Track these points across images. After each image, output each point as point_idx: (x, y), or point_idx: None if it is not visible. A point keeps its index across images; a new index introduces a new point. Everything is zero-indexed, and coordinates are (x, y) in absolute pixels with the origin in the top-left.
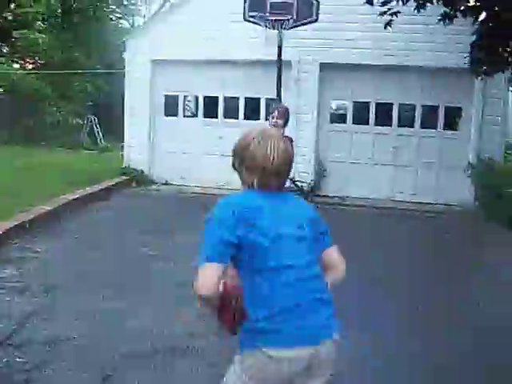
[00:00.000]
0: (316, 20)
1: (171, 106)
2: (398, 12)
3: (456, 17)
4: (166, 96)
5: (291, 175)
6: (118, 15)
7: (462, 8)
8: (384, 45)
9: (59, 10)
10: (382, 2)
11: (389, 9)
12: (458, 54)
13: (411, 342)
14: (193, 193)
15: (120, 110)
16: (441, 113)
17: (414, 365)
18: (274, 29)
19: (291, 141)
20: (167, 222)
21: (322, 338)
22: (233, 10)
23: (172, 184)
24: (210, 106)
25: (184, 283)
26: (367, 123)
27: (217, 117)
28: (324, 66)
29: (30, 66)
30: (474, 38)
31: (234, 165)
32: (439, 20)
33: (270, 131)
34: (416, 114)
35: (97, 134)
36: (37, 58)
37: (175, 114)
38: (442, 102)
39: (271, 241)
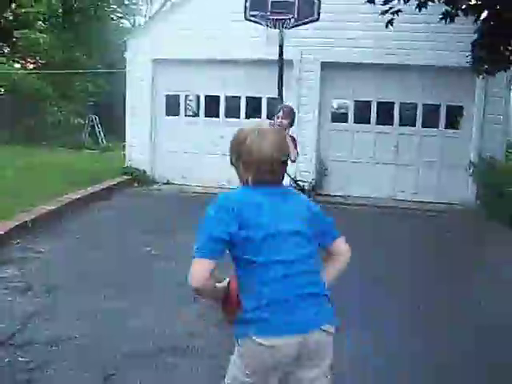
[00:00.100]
0: (317, 19)
1: (172, 106)
2: (400, 11)
3: (457, 15)
4: (168, 95)
5: (292, 175)
6: (119, 15)
7: (464, 7)
8: (385, 44)
9: (60, 10)
10: (384, 1)
11: (390, 8)
12: (459, 53)
13: (413, 340)
14: (194, 192)
15: (121, 110)
16: (442, 112)
17: (416, 364)
18: (275, 28)
19: (294, 140)
20: (169, 221)
21: (311, 328)
22: (234, 9)
23: (173, 183)
24: (212, 106)
25: (185, 283)
26: (369, 122)
27: (218, 116)
28: (325, 65)
29: (31, 66)
30: (475, 36)
31: (231, 160)
32: (440, 19)
33: (265, 127)
34: (417, 113)
35: (98, 134)
36: (38, 58)
37: (176, 114)
38: (444, 100)
39: (265, 237)
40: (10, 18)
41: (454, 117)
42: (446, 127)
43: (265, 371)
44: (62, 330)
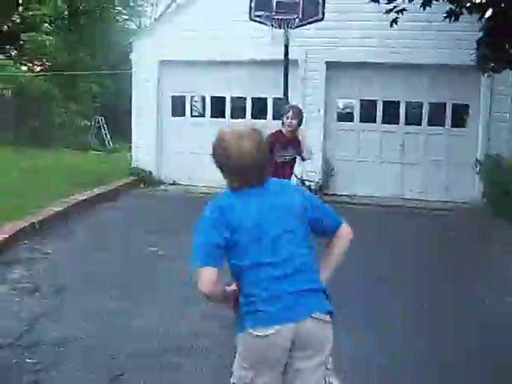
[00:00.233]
0: (322, 19)
1: (178, 107)
2: (404, 10)
3: (462, 14)
4: (173, 96)
5: (299, 174)
6: (124, 17)
7: (468, 5)
8: (390, 43)
9: (66, 12)
10: (388, 0)
11: (394, 6)
12: (464, 51)
13: (417, 339)
14: (201, 193)
15: (127, 111)
16: (448, 110)
17: (420, 363)
18: (280, 28)
19: (304, 139)
20: (175, 222)
21: (302, 317)
22: (239, 9)
23: (180, 184)
24: (217, 106)
25: (190, 283)
26: (374, 121)
27: (224, 117)
28: (330, 65)
29: (38, 68)
30: (480, 34)
31: (215, 164)
32: (445, 17)
33: (244, 129)
34: (423, 112)
35: (104, 135)
36: (44, 60)
37: (182, 115)
38: (449, 99)
39: (251, 240)
40: (17, 20)
41: (460, 115)
42: (452, 126)
43: (262, 362)
44: (69, 331)
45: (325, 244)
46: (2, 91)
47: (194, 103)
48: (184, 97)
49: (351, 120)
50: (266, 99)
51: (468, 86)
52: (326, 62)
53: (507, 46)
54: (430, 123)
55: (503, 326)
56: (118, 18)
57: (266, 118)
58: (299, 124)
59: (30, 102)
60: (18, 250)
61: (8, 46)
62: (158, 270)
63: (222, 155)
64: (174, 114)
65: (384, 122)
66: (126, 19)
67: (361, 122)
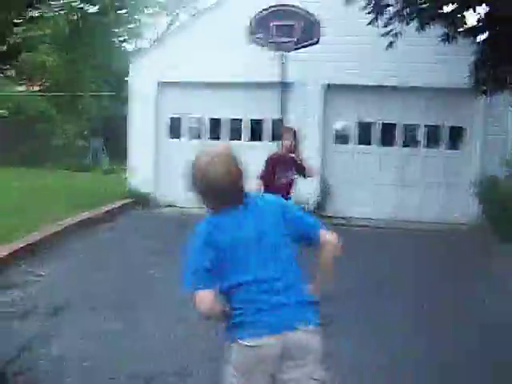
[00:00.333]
0: (318, 41)
1: (176, 128)
2: (400, 33)
3: (457, 37)
4: (171, 118)
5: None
6: (122, 38)
7: (463, 29)
8: (386, 65)
9: (65, 33)
10: (385, 24)
11: (391, 30)
12: (459, 74)
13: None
14: (198, 215)
15: (125, 133)
16: (444, 132)
17: (420, 363)
18: (277, 51)
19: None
20: (172, 243)
21: (288, 328)
22: (237, 32)
23: (177, 206)
24: (215, 128)
25: (186, 304)
26: (371, 143)
27: (221, 139)
28: (327, 87)
29: (36, 88)
30: (475, 57)
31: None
32: (440, 40)
33: (214, 153)
34: (419, 134)
35: (102, 156)
36: (43, 80)
37: (180, 136)
38: (445, 121)
39: (237, 258)
40: (17, 40)
41: (456, 137)
42: (448, 148)
43: (251, 372)
44: (66, 353)
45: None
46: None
47: (191, 125)
48: (181, 118)
49: (348, 142)
50: (263, 121)
51: (464, 109)
52: (323, 85)
53: (502, 68)
54: (426, 145)
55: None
56: (116, 39)
57: (261, 140)
58: (296, 144)
59: (28, 122)
60: (13, 271)
61: (7, 66)
62: (154, 291)
63: (196, 178)
64: (171, 136)
65: (381, 144)
66: (124, 41)
67: (357, 144)
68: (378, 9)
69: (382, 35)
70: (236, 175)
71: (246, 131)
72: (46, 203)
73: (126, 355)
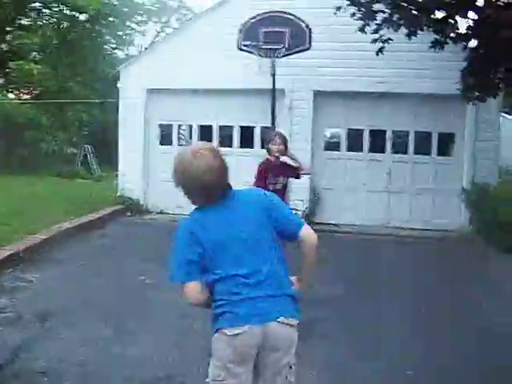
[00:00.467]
0: (308, 48)
1: (166, 135)
2: (390, 39)
3: (447, 43)
4: (161, 125)
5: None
6: (112, 45)
7: (453, 35)
8: (376, 72)
9: (54, 41)
10: (374, 30)
11: (381, 36)
12: (449, 80)
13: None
14: None
15: (115, 139)
16: (434, 139)
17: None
18: (267, 57)
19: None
20: (162, 250)
21: (269, 320)
22: (227, 39)
23: (167, 213)
24: (205, 135)
25: (180, 311)
26: (361, 150)
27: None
28: (317, 94)
29: (26, 96)
30: (465, 64)
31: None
32: (430, 47)
33: (197, 150)
34: (409, 140)
35: (91, 164)
36: (32, 89)
37: (169, 143)
38: (435, 127)
39: (221, 252)
40: (5, 49)
41: (446, 144)
42: (438, 154)
43: (232, 361)
44: (58, 359)
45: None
46: None
47: (181, 132)
48: (171, 125)
49: (338, 149)
50: (253, 128)
51: (453, 115)
52: (314, 91)
53: (491, 75)
54: (416, 152)
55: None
56: (106, 46)
57: (253, 147)
58: (286, 148)
59: (17, 130)
60: (2, 278)
61: None
62: (144, 298)
63: (180, 175)
64: (161, 143)
65: (370, 150)
66: (114, 48)
67: (348, 150)
68: (367, 15)
69: (372, 41)
70: (219, 171)
71: (236, 138)
72: (36, 210)
73: (119, 361)
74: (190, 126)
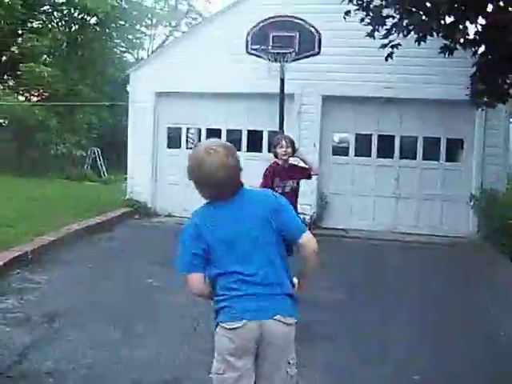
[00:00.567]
0: (318, 53)
1: (174, 138)
2: (399, 44)
3: (456, 49)
4: (169, 128)
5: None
6: (122, 48)
7: (462, 41)
8: (385, 77)
9: (64, 44)
10: (383, 35)
11: (390, 41)
12: (458, 86)
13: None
14: None
15: (123, 142)
16: (442, 144)
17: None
18: (276, 62)
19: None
20: (169, 253)
21: (266, 317)
22: (236, 43)
23: (175, 216)
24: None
25: (187, 313)
26: (369, 155)
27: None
28: (326, 99)
29: (35, 99)
30: (474, 69)
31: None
32: (439, 52)
33: (211, 146)
34: (418, 146)
35: (100, 166)
36: (42, 91)
37: (178, 146)
38: (444, 133)
39: (225, 249)
40: (16, 51)
41: (455, 149)
42: (447, 160)
43: (231, 354)
44: (64, 361)
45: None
46: None
47: (189, 135)
48: (180, 128)
49: (346, 154)
50: (261, 132)
51: (462, 121)
52: (322, 96)
53: (500, 80)
54: (424, 157)
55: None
56: (115, 49)
57: (261, 151)
58: (293, 151)
59: (27, 132)
60: (10, 279)
61: (6, 77)
62: (151, 300)
63: (193, 169)
64: (169, 146)
65: (379, 156)
66: (124, 51)
67: (356, 155)
68: (376, 20)
69: (381, 47)
70: (231, 168)
71: (244, 142)
72: (44, 212)
73: (126, 363)
74: (199, 130)
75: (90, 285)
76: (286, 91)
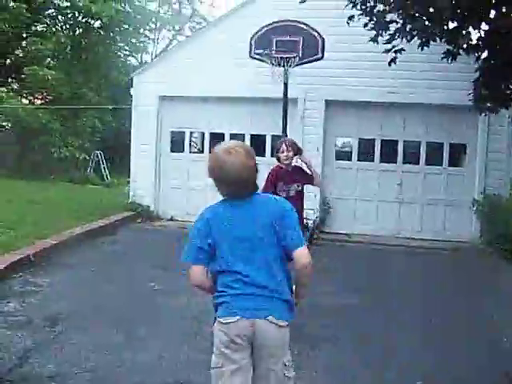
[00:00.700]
0: (321, 57)
1: (177, 142)
2: (403, 49)
3: (459, 54)
4: (172, 132)
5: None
6: (126, 52)
7: (465, 46)
8: (388, 82)
9: (68, 48)
10: (387, 40)
11: (393, 46)
12: (461, 91)
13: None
14: None
15: (126, 146)
16: (446, 149)
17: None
18: (279, 66)
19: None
20: (172, 257)
21: (259, 316)
22: (239, 47)
23: (177, 220)
24: (216, 143)
25: (189, 317)
26: (372, 160)
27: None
28: (329, 104)
29: (39, 102)
30: (477, 75)
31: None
32: (443, 57)
33: (231, 146)
34: (421, 151)
35: (103, 170)
36: (45, 94)
37: (181, 150)
38: (447, 138)
39: (229, 248)
40: (21, 55)
41: (458, 154)
42: (450, 165)
43: (227, 348)
44: (66, 365)
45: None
46: (2, 124)
47: (193, 139)
48: (183, 132)
49: (349, 158)
50: (264, 136)
51: (465, 126)
52: (326, 101)
53: (503, 86)
54: (427, 162)
55: None
56: (119, 53)
57: (264, 156)
58: (296, 154)
59: (30, 135)
60: (12, 283)
61: (10, 80)
62: (153, 304)
63: (213, 168)
64: (172, 150)
65: (382, 160)
66: (128, 55)
67: (359, 160)
68: (380, 25)
69: (385, 52)
70: (250, 169)
71: None
72: (48, 215)
73: (129, 366)
74: (202, 134)
75: (93, 288)
76: (289, 96)
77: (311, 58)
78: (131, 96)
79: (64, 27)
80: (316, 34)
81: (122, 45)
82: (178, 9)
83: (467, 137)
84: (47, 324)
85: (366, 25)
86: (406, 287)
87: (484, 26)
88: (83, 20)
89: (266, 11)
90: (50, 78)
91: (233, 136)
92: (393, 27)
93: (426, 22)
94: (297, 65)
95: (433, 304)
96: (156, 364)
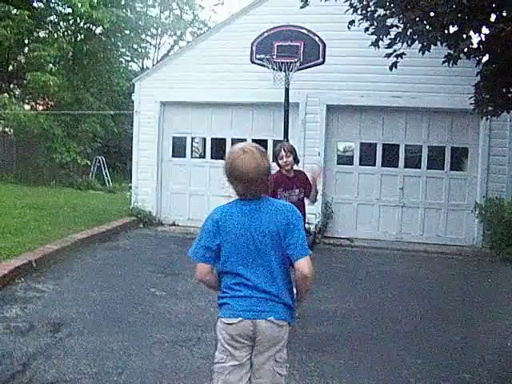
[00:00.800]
0: (322, 62)
1: (179, 148)
2: (404, 54)
3: (460, 58)
4: (174, 137)
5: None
6: (127, 58)
7: (466, 50)
8: (390, 86)
9: (70, 54)
10: (388, 44)
11: (394, 51)
12: (462, 95)
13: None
14: None
15: (128, 151)
16: (447, 153)
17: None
18: (280, 71)
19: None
20: (173, 263)
21: (260, 317)
22: (240, 52)
23: (179, 225)
24: (218, 148)
25: (191, 323)
26: (374, 164)
27: (224, 159)
28: (331, 108)
29: (41, 108)
30: (478, 78)
31: None
32: (443, 62)
33: (246, 148)
34: (423, 155)
35: (105, 175)
36: (47, 100)
37: (183, 155)
38: (449, 142)
39: (235, 250)
40: (22, 61)
41: (459, 158)
42: (452, 169)
43: (230, 345)
44: (66, 371)
45: None
46: (4, 129)
47: (194, 144)
48: (185, 138)
49: (351, 163)
50: (266, 141)
51: (467, 130)
52: (327, 105)
53: (505, 90)
54: (429, 166)
55: None
56: (121, 59)
57: None
58: (295, 160)
59: (32, 141)
60: (14, 288)
61: (12, 86)
62: (155, 309)
63: (228, 166)
64: (174, 155)
65: (384, 165)
66: (129, 61)
67: (360, 164)
68: (381, 30)
69: (385, 56)
70: (263, 169)
71: None
72: (49, 220)
73: (130, 373)
74: (204, 139)
75: (94, 294)
76: (290, 100)
77: (312, 63)
78: (133, 101)
79: (66, 33)
80: (317, 39)
81: (124, 50)
82: (180, 14)
83: (469, 141)
84: (49, 330)
85: (366, 29)
86: (408, 292)
87: (485, 30)
88: (85, 26)
89: (267, 16)
90: (51, 83)
91: (234, 141)
92: (393, 32)
93: (427, 27)
94: (298, 70)
95: (436, 309)
96: (158, 370)
